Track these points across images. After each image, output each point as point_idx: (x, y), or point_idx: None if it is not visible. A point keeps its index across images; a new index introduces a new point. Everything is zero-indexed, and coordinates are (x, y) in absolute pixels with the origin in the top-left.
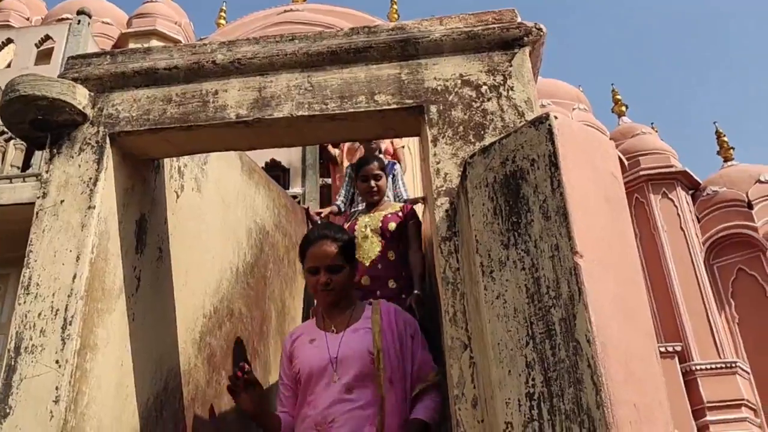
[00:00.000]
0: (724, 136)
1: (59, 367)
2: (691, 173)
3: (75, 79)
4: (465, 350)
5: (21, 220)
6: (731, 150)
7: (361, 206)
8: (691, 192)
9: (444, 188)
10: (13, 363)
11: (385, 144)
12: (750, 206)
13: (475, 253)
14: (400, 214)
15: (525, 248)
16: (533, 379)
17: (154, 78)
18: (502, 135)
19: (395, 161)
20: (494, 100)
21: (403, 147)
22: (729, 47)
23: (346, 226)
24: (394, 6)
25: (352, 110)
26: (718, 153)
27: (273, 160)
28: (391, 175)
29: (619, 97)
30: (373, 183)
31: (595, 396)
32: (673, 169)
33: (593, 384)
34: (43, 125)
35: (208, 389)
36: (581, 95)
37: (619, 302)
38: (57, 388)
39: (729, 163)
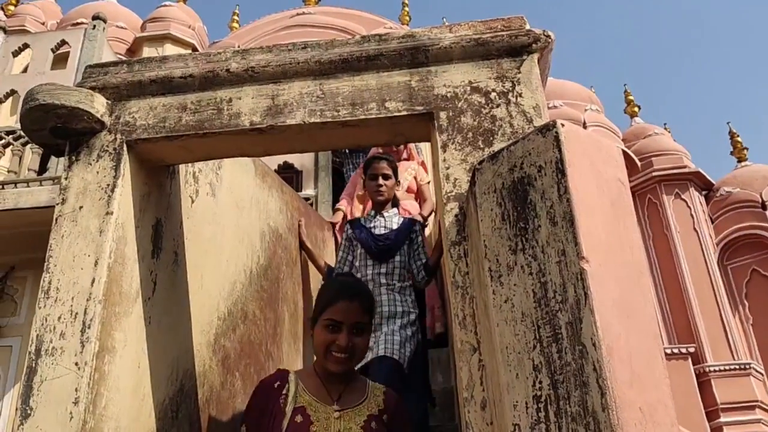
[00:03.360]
0: (738, 136)
1: (78, 369)
2: (705, 174)
3: (93, 88)
4: (474, 353)
5: (38, 223)
6: (745, 150)
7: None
8: (704, 193)
9: (453, 193)
10: (33, 365)
11: (406, 183)
12: (764, 207)
13: (483, 258)
14: (385, 417)
15: (532, 253)
16: (540, 382)
17: (169, 86)
18: (511, 141)
19: (412, 219)
20: (503, 107)
21: (429, 183)
22: (742, 47)
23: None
24: (406, 8)
25: (363, 117)
26: (732, 153)
27: (285, 163)
28: (407, 242)
29: (631, 97)
30: (341, 355)
31: (601, 399)
32: (686, 170)
33: (599, 387)
34: (62, 133)
35: (222, 391)
36: (593, 96)
37: (624, 306)
38: (76, 390)
39: (743, 164)
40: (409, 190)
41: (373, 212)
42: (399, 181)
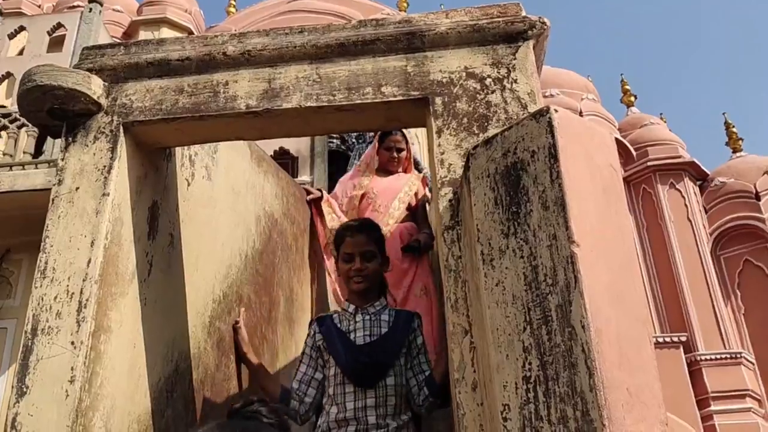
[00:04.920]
0: (733, 127)
1: (74, 348)
2: (699, 164)
3: (90, 70)
4: (466, 335)
5: (34, 206)
6: (740, 141)
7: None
8: (698, 183)
9: (448, 178)
10: (30, 344)
11: (407, 198)
12: (758, 197)
13: (476, 242)
14: None
15: (524, 237)
16: (530, 363)
17: (166, 69)
18: (505, 127)
19: (409, 313)
20: (498, 93)
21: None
22: (739, 38)
23: None
24: None
25: (359, 101)
26: (727, 144)
27: (281, 149)
28: (404, 351)
29: (627, 87)
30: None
31: (589, 380)
32: (680, 160)
33: (587, 368)
34: (59, 114)
35: (217, 373)
36: (590, 85)
37: (613, 290)
38: (72, 369)
39: (737, 155)
40: (409, 208)
41: (351, 307)
42: (388, 258)
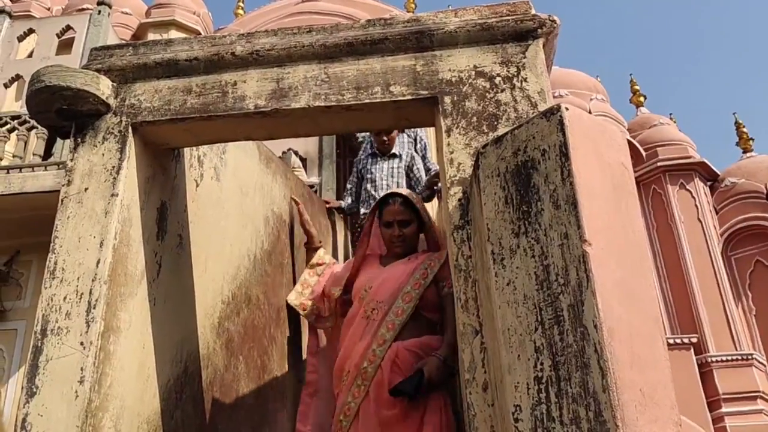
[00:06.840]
0: (744, 126)
1: (84, 348)
2: (710, 164)
3: (98, 70)
4: (476, 336)
5: (43, 207)
6: (750, 141)
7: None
8: (709, 183)
9: (457, 178)
10: (39, 344)
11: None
12: None
13: (486, 241)
14: None
15: (535, 236)
16: (542, 364)
17: (175, 69)
18: (515, 125)
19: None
20: (508, 91)
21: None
22: (749, 37)
23: None
24: None
25: (367, 101)
26: (737, 144)
27: (290, 150)
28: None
29: (637, 87)
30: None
31: (602, 380)
32: (691, 160)
33: (600, 368)
34: (68, 115)
35: (226, 373)
36: (599, 85)
37: (625, 289)
38: (82, 369)
39: (748, 155)
40: (430, 308)
41: None
42: None
